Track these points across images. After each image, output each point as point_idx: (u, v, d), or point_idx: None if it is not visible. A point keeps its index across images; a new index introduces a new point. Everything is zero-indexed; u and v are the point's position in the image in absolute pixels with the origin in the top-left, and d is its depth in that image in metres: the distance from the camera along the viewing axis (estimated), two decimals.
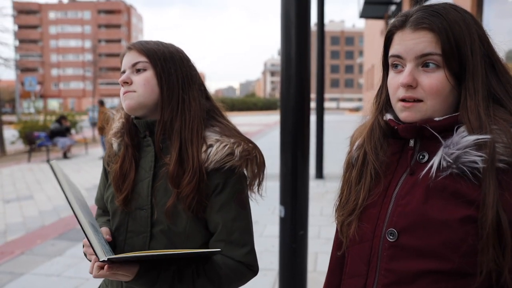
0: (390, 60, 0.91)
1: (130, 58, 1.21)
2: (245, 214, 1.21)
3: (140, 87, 1.19)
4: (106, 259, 0.98)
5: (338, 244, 1.06)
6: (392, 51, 0.90)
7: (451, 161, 0.80)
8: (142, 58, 1.19)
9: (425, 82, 0.85)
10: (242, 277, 1.20)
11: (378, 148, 0.94)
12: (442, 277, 0.80)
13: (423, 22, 0.85)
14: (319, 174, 8.17)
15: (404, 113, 0.88)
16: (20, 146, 14.60)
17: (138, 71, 1.20)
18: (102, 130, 10.53)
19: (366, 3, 13.87)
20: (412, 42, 0.85)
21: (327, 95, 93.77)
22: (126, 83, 1.20)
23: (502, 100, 0.84)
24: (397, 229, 0.85)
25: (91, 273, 1.09)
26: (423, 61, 0.85)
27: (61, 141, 12.14)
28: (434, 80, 0.84)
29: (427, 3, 0.90)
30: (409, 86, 0.86)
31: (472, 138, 0.79)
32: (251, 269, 1.21)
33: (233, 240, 1.17)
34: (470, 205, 0.78)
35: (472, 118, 0.81)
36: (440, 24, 0.83)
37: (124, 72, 1.23)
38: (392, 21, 0.92)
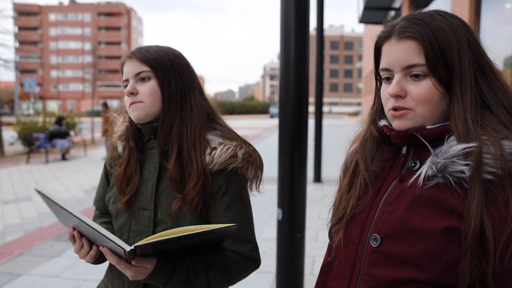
0: (381, 73, 0.92)
1: (132, 68, 1.23)
2: (248, 213, 1.28)
3: (147, 98, 1.22)
4: (133, 248, 0.99)
5: (330, 248, 1.07)
6: (381, 65, 0.91)
7: (436, 170, 0.80)
8: (145, 68, 1.22)
9: (413, 92, 0.85)
10: (247, 269, 1.27)
11: (368, 160, 0.95)
12: (421, 286, 0.79)
13: (406, 31, 0.85)
14: (318, 178, 8.19)
15: (396, 122, 0.88)
16: (19, 147, 14.60)
17: (142, 80, 1.23)
18: (106, 132, 10.54)
19: (365, 8, 13.94)
20: (398, 53, 0.86)
21: (326, 100, 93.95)
22: (132, 93, 1.22)
23: (492, 106, 0.82)
24: (380, 235, 0.85)
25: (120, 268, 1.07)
26: (410, 72, 0.85)
27: (60, 142, 12.14)
28: (422, 89, 0.84)
29: (419, 11, 0.90)
30: (398, 96, 0.86)
31: (460, 147, 0.79)
32: (255, 263, 1.28)
33: (240, 238, 1.23)
34: (454, 216, 0.77)
35: (459, 125, 0.80)
36: (423, 32, 0.83)
37: (126, 80, 1.25)
38: (379, 32, 0.93)
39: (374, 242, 0.86)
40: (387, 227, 0.85)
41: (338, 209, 0.98)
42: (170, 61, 1.24)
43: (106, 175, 1.40)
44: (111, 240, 1.00)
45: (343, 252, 0.94)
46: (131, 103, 1.23)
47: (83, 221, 1.01)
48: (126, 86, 1.25)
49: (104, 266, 1.37)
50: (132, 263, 1.03)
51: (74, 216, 1.02)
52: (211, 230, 1.04)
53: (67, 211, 1.03)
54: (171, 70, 1.24)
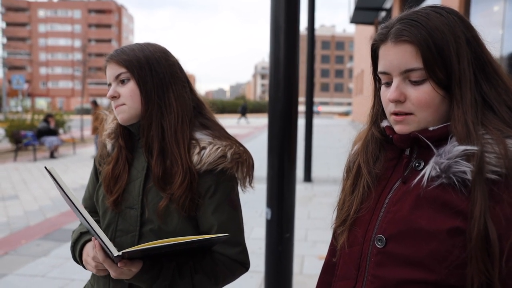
0: (380, 76, 0.90)
1: (112, 71, 1.22)
2: (237, 214, 1.26)
3: (128, 100, 1.21)
4: (120, 254, 0.99)
5: (332, 248, 1.06)
6: (379, 68, 0.89)
7: (439, 170, 0.79)
8: (122, 69, 1.21)
9: (413, 96, 0.83)
10: (236, 273, 1.25)
11: (371, 163, 0.94)
12: (427, 287, 0.79)
13: (402, 35, 0.82)
14: (308, 177, 8.21)
15: (397, 126, 0.87)
16: (7, 145, 14.39)
17: (122, 82, 1.22)
18: (96, 130, 10.43)
19: (356, 8, 14.01)
20: (395, 57, 0.84)
21: (317, 99, 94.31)
22: (114, 97, 1.22)
23: (494, 105, 0.80)
24: (385, 235, 0.85)
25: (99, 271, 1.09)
26: (408, 76, 0.83)
27: (49, 140, 12.00)
28: (421, 93, 0.82)
29: (414, 9, 0.87)
30: (398, 101, 0.84)
31: (462, 148, 0.77)
32: (244, 266, 1.27)
33: (228, 241, 1.21)
34: (458, 216, 0.76)
35: (459, 127, 0.79)
36: (420, 35, 0.80)
37: (110, 84, 1.24)
38: (375, 35, 0.91)
39: (379, 243, 0.85)
40: (392, 228, 0.84)
41: (342, 211, 0.98)
42: (146, 58, 1.22)
43: (96, 173, 1.39)
44: (102, 241, 1.00)
45: (347, 253, 0.94)
46: (115, 107, 1.23)
47: (82, 215, 1.02)
48: (108, 86, 1.25)
49: None
50: (118, 265, 1.03)
51: (75, 206, 1.02)
52: (201, 239, 1.05)
53: (70, 199, 1.03)
54: (147, 68, 1.21)
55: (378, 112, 0.97)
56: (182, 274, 1.15)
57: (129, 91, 1.21)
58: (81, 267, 1.28)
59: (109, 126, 1.35)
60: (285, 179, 2.50)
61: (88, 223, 1.01)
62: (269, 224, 2.54)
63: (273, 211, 2.51)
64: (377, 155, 0.95)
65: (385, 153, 0.94)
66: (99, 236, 1.00)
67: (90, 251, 1.19)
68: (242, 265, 1.26)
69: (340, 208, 1.00)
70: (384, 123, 0.94)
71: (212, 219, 1.21)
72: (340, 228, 0.97)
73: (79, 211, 1.02)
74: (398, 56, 0.83)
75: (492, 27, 5.69)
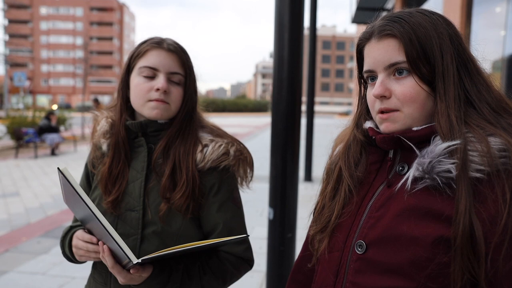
0: (365, 75, 0.89)
1: (170, 63, 1.19)
2: (240, 212, 1.26)
3: (174, 102, 1.20)
4: (140, 261, 0.95)
5: (306, 244, 1.04)
6: (364, 67, 0.88)
7: (423, 171, 0.77)
8: (181, 71, 1.20)
9: (397, 91, 0.82)
10: (242, 270, 1.25)
11: (352, 167, 0.92)
12: None
13: (385, 30, 0.83)
14: (308, 177, 8.22)
15: (383, 125, 0.85)
16: (8, 141, 14.39)
17: (172, 81, 1.20)
18: None
19: (358, 9, 13.99)
20: (379, 52, 0.84)
21: (317, 99, 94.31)
22: (165, 91, 1.18)
23: (475, 102, 0.80)
24: (366, 241, 0.82)
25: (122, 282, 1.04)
26: (393, 70, 0.83)
27: (50, 137, 12.00)
28: (406, 87, 0.81)
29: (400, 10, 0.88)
30: (383, 97, 0.83)
31: (444, 145, 0.76)
32: (249, 264, 1.27)
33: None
34: (443, 222, 0.74)
35: (442, 122, 0.78)
36: (402, 29, 0.81)
37: (154, 69, 1.17)
38: (359, 35, 0.91)
39: (359, 249, 0.83)
40: (373, 234, 0.82)
41: (322, 216, 0.95)
42: (192, 66, 1.25)
43: (87, 176, 1.34)
44: (120, 247, 0.95)
45: (327, 259, 0.91)
46: (158, 100, 1.18)
47: (97, 218, 0.95)
48: (149, 69, 1.17)
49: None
50: (131, 271, 1.00)
51: (91, 210, 0.96)
52: (221, 242, 1.04)
53: (85, 202, 0.96)
54: (194, 78, 1.25)
55: (361, 114, 0.96)
56: (191, 276, 1.14)
57: (179, 95, 1.21)
58: (82, 265, 1.26)
59: (102, 124, 1.29)
60: (287, 179, 2.49)
61: (105, 227, 0.95)
62: (272, 224, 2.53)
63: (275, 211, 2.50)
64: (358, 158, 0.93)
65: (368, 157, 0.92)
66: (117, 242, 0.94)
67: (80, 234, 1.14)
68: (247, 262, 1.25)
69: (319, 212, 0.97)
70: (367, 124, 0.92)
71: (217, 217, 1.20)
72: (320, 235, 0.94)
73: (95, 215, 0.95)
74: (382, 51, 0.83)
75: (494, 28, 5.67)
